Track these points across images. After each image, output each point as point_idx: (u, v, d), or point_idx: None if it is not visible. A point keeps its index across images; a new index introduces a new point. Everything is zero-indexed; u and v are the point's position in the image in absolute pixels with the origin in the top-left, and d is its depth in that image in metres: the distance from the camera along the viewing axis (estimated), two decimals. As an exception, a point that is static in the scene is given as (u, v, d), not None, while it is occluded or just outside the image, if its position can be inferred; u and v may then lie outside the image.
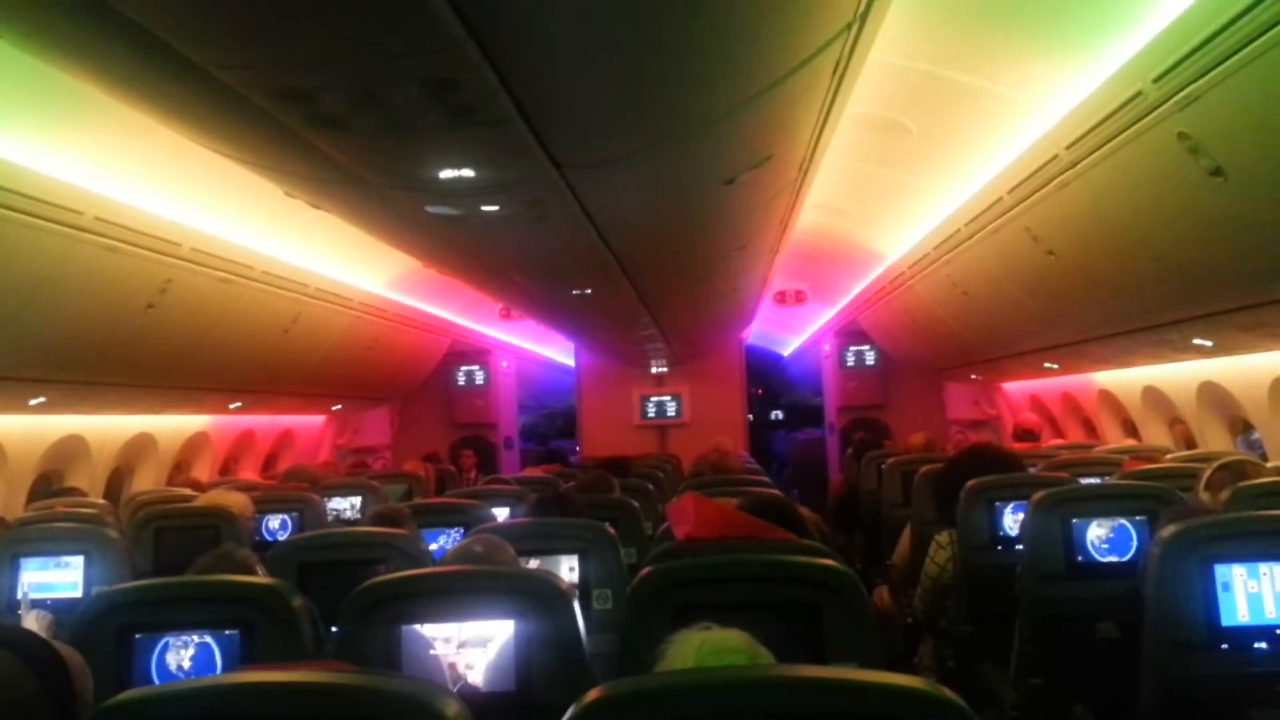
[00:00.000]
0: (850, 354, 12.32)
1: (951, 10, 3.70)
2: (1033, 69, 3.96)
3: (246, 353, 6.59)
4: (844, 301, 10.83)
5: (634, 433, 11.67)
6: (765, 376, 18.50)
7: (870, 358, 12.21)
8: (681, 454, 9.63)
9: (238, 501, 4.63)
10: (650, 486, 5.63)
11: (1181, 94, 3.11)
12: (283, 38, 1.99)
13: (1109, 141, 3.68)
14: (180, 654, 2.44)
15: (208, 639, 2.44)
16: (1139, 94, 3.34)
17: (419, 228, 3.89)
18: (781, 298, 11.66)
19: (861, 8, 2.65)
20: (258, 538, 5.17)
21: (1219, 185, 3.30)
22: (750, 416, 13.93)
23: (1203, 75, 2.97)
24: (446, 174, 3.01)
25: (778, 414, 20.39)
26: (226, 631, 2.43)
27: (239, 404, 7.72)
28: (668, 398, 11.96)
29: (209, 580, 2.70)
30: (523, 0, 2.02)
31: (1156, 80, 3.21)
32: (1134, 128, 3.47)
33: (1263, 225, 3.44)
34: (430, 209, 3.45)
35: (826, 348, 12.62)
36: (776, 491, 4.65)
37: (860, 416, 12.06)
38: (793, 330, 14.10)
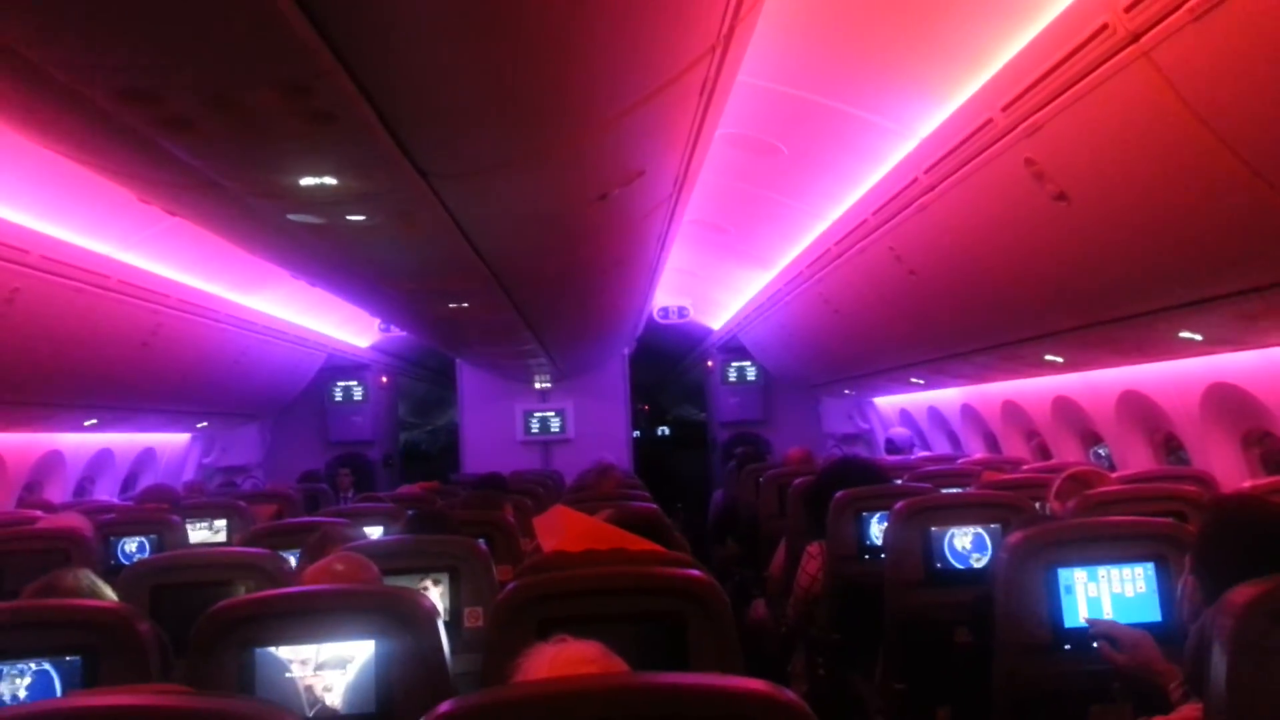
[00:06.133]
0: (732, 370, 12.48)
1: (815, 36, 3.82)
2: (893, 94, 4.11)
3: (102, 366, 6.27)
4: (725, 318, 11.00)
5: (518, 449, 11.57)
6: (652, 391, 18.63)
7: (751, 374, 12.40)
8: (566, 470, 9.62)
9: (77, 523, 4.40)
10: (529, 502, 5.58)
11: (1027, 122, 3.27)
12: (121, 36, 1.90)
13: (963, 166, 3.85)
14: (16, 683, 2.33)
15: (46, 667, 2.33)
16: (989, 121, 3.50)
17: (282, 236, 3.77)
18: (665, 313, 11.77)
19: (725, 29, 2.71)
20: (113, 562, 4.93)
21: (1063, 209, 3.48)
22: (637, 433, 13.96)
23: (1046, 104, 3.13)
24: (307, 181, 2.93)
25: (664, 429, 20.52)
26: (68, 659, 2.32)
27: (94, 420, 7.34)
28: (551, 413, 11.89)
29: (46, 604, 2.56)
30: (380, 6, 1.99)
31: (1005, 108, 3.37)
32: (985, 153, 3.64)
33: (1103, 247, 3.64)
34: (292, 217, 3.35)
35: (709, 364, 12.77)
36: (651, 505, 4.68)
37: (742, 432, 12.24)
38: (681, 345, 14.24)
